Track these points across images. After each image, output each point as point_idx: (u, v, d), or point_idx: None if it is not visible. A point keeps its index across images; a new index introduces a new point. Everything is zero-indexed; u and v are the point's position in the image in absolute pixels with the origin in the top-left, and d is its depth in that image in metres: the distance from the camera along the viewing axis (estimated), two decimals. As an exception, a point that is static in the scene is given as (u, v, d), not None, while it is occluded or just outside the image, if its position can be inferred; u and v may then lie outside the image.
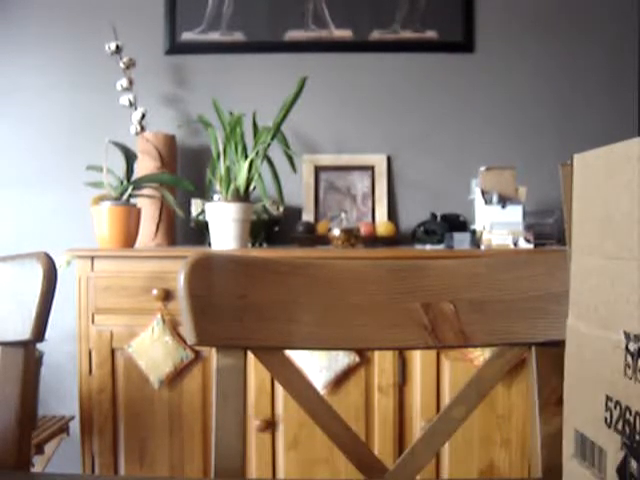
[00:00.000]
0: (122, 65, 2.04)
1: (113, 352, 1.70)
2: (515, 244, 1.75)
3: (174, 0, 2.22)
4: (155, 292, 1.67)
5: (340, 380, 1.65)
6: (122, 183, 1.81)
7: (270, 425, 1.66)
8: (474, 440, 1.63)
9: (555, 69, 2.20)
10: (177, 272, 0.72)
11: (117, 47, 2.04)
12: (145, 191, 1.89)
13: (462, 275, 0.76)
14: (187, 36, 2.23)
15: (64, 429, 1.95)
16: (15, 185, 2.24)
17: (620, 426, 0.40)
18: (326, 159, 2.20)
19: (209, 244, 1.85)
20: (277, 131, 1.81)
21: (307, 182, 2.19)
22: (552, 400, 0.72)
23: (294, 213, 2.16)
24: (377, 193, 2.18)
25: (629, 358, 0.38)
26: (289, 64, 2.20)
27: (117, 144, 1.83)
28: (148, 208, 1.96)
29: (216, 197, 1.82)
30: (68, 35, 2.24)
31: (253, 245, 1.98)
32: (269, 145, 1.80)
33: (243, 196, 1.79)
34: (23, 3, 2.25)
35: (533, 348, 0.74)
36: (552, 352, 0.73)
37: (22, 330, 0.74)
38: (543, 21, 2.20)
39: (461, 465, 1.63)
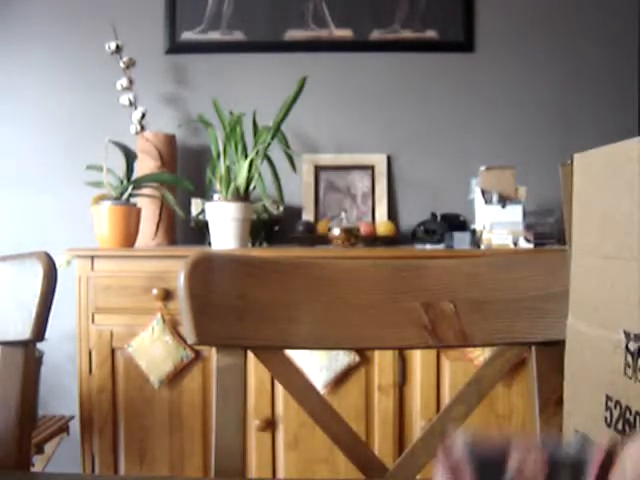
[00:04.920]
0: (122, 65, 2.04)
1: (113, 352, 1.70)
2: (515, 244, 1.75)
3: (174, 0, 2.22)
4: (155, 292, 1.67)
5: (340, 380, 1.65)
6: (122, 183, 1.81)
7: (270, 425, 1.66)
8: (474, 440, 1.63)
9: (555, 69, 2.20)
10: (177, 272, 0.72)
11: (117, 47, 2.04)
12: (145, 191, 1.89)
13: (462, 275, 0.76)
14: (187, 36, 2.23)
15: (64, 429, 1.95)
16: (15, 185, 2.24)
17: (620, 426, 0.40)
18: (326, 159, 2.20)
19: (209, 244, 1.85)
20: (277, 131, 1.81)
21: (307, 182, 2.19)
22: (552, 400, 0.72)
23: (294, 213, 2.16)
24: (377, 193, 2.18)
25: (629, 358, 0.38)
26: (289, 64, 2.19)
27: (117, 144, 1.83)
28: (148, 208, 1.96)
29: (216, 197, 1.81)
30: (68, 35, 2.24)
31: (253, 245, 1.98)
32: (269, 145, 1.80)
33: (243, 196, 1.79)
34: (24, 3, 2.25)
35: (533, 348, 0.74)
36: (552, 352, 0.73)
37: (22, 330, 0.74)
38: (543, 21, 2.20)
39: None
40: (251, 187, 1.81)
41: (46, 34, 2.24)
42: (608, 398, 0.41)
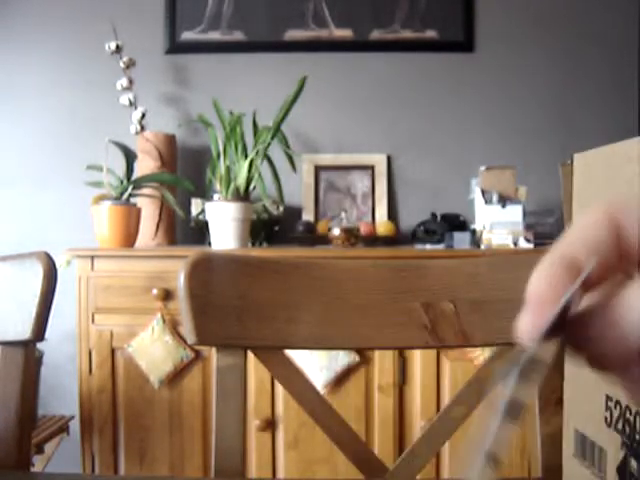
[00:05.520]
0: (122, 65, 2.04)
1: (113, 352, 1.70)
2: (515, 244, 1.75)
3: (174, 0, 2.22)
4: (155, 292, 1.67)
5: (340, 380, 1.64)
6: (122, 183, 1.81)
7: (270, 425, 1.66)
8: (474, 440, 1.63)
9: (555, 69, 2.20)
10: (177, 272, 0.72)
11: (117, 47, 2.03)
12: (145, 191, 1.89)
13: (462, 275, 0.76)
14: (187, 35, 2.23)
15: (64, 429, 1.95)
16: (15, 184, 2.24)
17: (620, 425, 0.40)
18: (326, 159, 2.20)
19: (209, 244, 1.85)
20: (277, 131, 1.81)
21: (307, 182, 2.19)
22: (552, 400, 0.72)
23: (294, 213, 2.16)
24: (377, 193, 2.18)
25: (629, 358, 0.38)
26: (289, 64, 2.19)
27: (117, 143, 1.83)
28: (148, 208, 1.96)
29: (216, 197, 1.81)
30: (68, 34, 2.24)
31: (253, 245, 1.98)
32: (269, 145, 1.80)
33: (243, 196, 1.79)
34: (24, 2, 2.25)
35: (533, 348, 0.74)
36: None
37: (22, 330, 0.74)
38: (543, 21, 2.20)
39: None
40: (251, 187, 1.81)
41: (46, 34, 2.24)
42: (608, 398, 0.41)
